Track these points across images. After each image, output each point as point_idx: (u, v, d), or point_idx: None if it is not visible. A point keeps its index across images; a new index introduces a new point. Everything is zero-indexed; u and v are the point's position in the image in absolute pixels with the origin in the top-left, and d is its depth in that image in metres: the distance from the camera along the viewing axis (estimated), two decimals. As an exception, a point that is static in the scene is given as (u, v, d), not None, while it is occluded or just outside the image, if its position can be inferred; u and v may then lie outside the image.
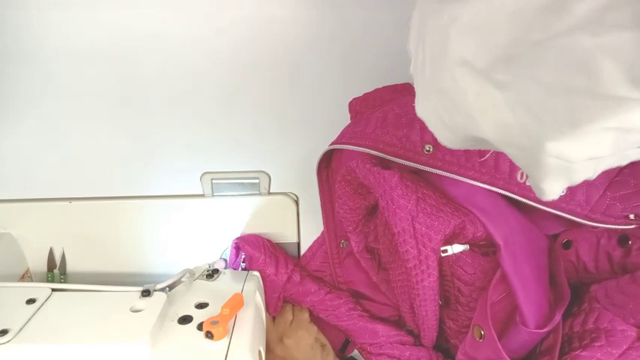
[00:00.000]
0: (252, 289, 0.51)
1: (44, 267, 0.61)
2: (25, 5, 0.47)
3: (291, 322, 0.58)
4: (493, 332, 0.38)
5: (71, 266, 0.62)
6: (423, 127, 0.39)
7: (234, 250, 0.60)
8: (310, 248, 0.61)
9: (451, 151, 0.38)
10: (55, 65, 0.50)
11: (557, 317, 0.37)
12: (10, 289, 0.49)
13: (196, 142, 0.55)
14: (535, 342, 0.39)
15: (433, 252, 0.39)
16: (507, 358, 0.37)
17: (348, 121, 0.54)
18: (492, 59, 0.20)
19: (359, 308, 0.56)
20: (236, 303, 0.46)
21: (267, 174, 0.58)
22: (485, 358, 0.39)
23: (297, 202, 0.60)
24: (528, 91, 0.19)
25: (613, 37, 0.16)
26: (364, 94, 0.49)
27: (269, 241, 0.60)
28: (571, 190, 0.36)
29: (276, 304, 0.57)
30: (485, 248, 0.41)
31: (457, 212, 0.39)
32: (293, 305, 0.59)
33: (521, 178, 0.37)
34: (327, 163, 0.50)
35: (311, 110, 0.54)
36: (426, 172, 0.40)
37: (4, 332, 0.42)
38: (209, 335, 0.42)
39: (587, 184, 0.36)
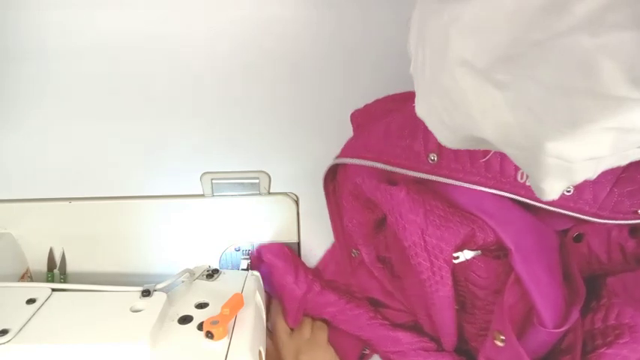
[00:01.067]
0: (252, 289, 0.51)
1: (44, 267, 0.61)
2: (25, 5, 0.47)
3: (309, 339, 0.57)
4: (514, 337, 0.37)
5: (71, 266, 0.62)
6: (425, 136, 0.39)
7: (256, 255, 0.60)
8: (322, 260, 0.61)
9: (456, 159, 0.38)
10: (55, 65, 0.50)
11: (574, 315, 0.37)
12: (10, 289, 0.49)
13: (196, 142, 0.56)
14: (554, 341, 0.39)
15: (446, 263, 0.39)
16: None
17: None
18: (492, 59, 0.20)
19: (379, 317, 0.55)
20: (236, 303, 0.46)
21: (267, 174, 0.58)
22: None
23: (297, 202, 0.60)
24: (528, 91, 0.19)
25: (613, 37, 0.16)
26: (365, 106, 0.49)
27: (289, 248, 0.60)
28: (578, 189, 0.36)
29: (296, 315, 0.57)
30: (497, 251, 0.41)
31: (466, 221, 0.39)
32: (313, 321, 0.58)
33: (522, 178, 0.37)
34: (333, 176, 0.50)
35: (311, 110, 0.54)
36: (432, 180, 0.40)
37: (4, 332, 0.42)
38: (209, 335, 0.42)
39: (593, 182, 0.36)
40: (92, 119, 0.53)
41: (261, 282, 0.55)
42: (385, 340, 0.54)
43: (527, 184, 0.37)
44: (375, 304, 0.57)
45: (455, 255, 0.41)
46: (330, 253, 0.60)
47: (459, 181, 0.38)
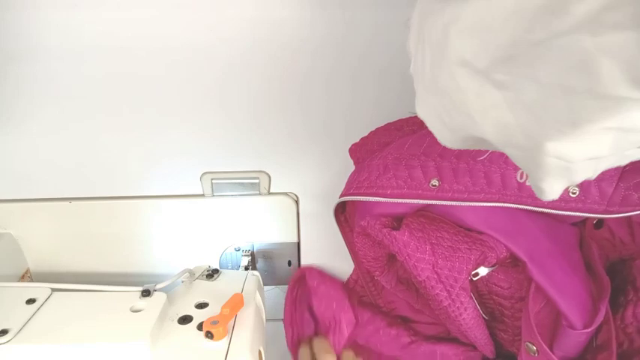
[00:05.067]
0: (252, 289, 0.51)
1: (44, 267, 0.61)
2: (25, 5, 0.47)
3: None
4: (545, 347, 0.38)
5: (71, 266, 0.62)
6: (424, 164, 0.40)
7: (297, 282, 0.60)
8: (347, 284, 0.61)
9: (457, 180, 0.39)
10: (55, 65, 0.50)
11: (602, 310, 0.37)
12: (10, 289, 0.49)
13: (196, 142, 0.56)
14: (587, 340, 0.39)
15: (463, 290, 0.40)
16: None
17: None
18: (492, 59, 0.20)
19: (419, 335, 0.55)
20: (236, 303, 0.46)
21: (267, 174, 0.58)
22: None
23: (297, 202, 0.60)
24: (528, 91, 0.19)
25: (613, 37, 0.16)
26: (361, 140, 0.50)
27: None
28: (583, 190, 0.36)
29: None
30: (515, 260, 0.41)
31: (474, 245, 0.39)
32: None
33: (521, 178, 0.37)
34: (342, 208, 0.50)
35: (312, 110, 0.54)
36: (436, 205, 0.40)
37: (4, 332, 0.42)
38: (209, 335, 0.42)
39: (598, 180, 0.35)
40: (92, 119, 0.53)
41: (261, 282, 0.55)
42: (432, 356, 0.53)
43: (527, 184, 0.37)
44: (405, 320, 0.57)
45: (473, 273, 0.41)
46: (353, 280, 0.60)
47: (464, 201, 0.38)
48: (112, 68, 0.51)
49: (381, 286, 0.55)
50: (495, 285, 0.43)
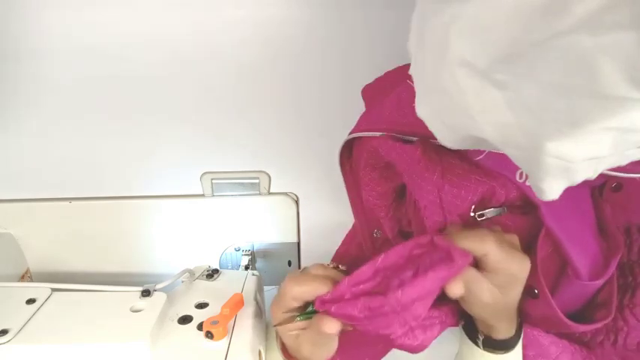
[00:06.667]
0: (252, 289, 0.51)
1: (44, 267, 0.61)
2: (25, 5, 0.47)
3: None
4: (546, 290, 0.37)
5: (71, 266, 0.62)
6: None
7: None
8: (343, 242, 0.59)
9: None
10: (55, 65, 0.50)
11: (613, 266, 0.36)
12: (10, 289, 0.49)
13: (196, 141, 0.56)
14: (590, 294, 0.38)
15: (460, 218, 0.38)
16: (562, 315, 0.36)
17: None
18: (492, 59, 0.20)
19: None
20: (236, 303, 0.46)
21: (267, 174, 0.58)
22: (539, 314, 0.38)
23: (297, 202, 0.60)
24: (528, 91, 0.19)
25: (612, 37, 0.16)
26: (375, 80, 0.48)
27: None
28: None
29: None
30: (524, 207, 0.40)
31: (485, 178, 0.37)
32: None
33: (521, 178, 0.37)
34: (349, 155, 0.49)
35: (312, 110, 0.54)
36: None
37: (4, 332, 0.42)
38: (209, 335, 0.42)
39: None
40: (92, 119, 0.53)
41: (262, 282, 0.55)
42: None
43: (527, 183, 0.37)
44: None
45: (480, 213, 0.39)
46: (350, 238, 0.58)
47: None
48: (111, 69, 0.51)
49: (378, 245, 0.54)
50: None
